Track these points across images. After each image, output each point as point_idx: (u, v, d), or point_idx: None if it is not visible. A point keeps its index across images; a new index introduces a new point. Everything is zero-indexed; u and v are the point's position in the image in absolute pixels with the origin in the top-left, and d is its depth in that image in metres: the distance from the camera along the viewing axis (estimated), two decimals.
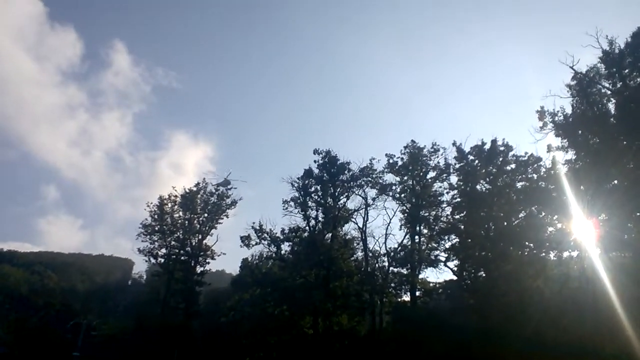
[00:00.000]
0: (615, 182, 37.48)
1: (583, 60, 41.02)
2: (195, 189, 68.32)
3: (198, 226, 67.43)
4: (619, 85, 38.73)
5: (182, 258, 66.01)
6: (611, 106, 39.20)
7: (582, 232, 37.78)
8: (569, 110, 39.90)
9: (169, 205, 67.28)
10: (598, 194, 36.66)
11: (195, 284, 64.66)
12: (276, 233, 55.44)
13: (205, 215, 67.63)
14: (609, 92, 39.03)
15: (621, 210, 35.12)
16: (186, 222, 67.43)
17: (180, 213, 67.58)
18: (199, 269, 65.67)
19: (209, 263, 66.08)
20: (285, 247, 56.76)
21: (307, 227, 56.02)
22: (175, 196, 67.47)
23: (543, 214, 41.33)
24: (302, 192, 56.86)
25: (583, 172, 38.16)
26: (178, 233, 66.85)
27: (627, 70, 38.46)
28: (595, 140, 38.60)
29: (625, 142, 37.32)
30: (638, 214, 35.27)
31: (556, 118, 39.75)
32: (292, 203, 56.29)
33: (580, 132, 39.07)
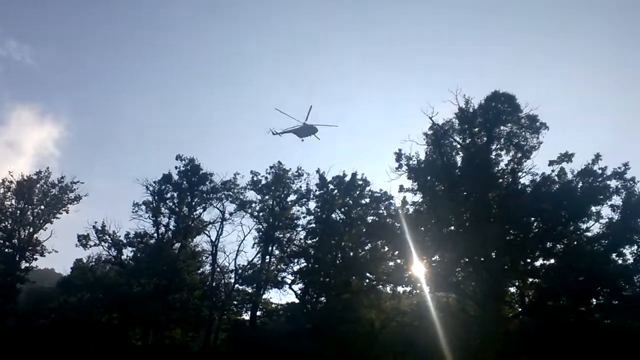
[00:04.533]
0: (452, 228, 40.69)
1: (442, 113, 44.66)
2: (35, 177, 61.35)
3: (31, 218, 60.07)
4: (468, 141, 42.52)
5: (6, 250, 58.57)
6: (459, 159, 42.76)
7: (417, 270, 40.34)
8: (422, 157, 42.78)
9: (1, 190, 59.68)
10: (435, 237, 39.56)
11: (16, 279, 57.56)
12: (119, 236, 51.98)
13: (42, 207, 60.52)
14: (458, 146, 42.61)
15: (452, 255, 38.18)
16: (18, 211, 60.00)
17: (13, 201, 60.04)
18: (23, 265, 58.65)
19: (36, 259, 59.27)
20: (128, 252, 53.38)
21: (155, 234, 53.34)
22: (11, 182, 60.07)
23: (386, 248, 43.56)
24: (156, 197, 54.37)
25: (426, 214, 41.00)
26: (6, 222, 59.31)
27: (476, 129, 42.44)
28: (441, 188, 41.73)
29: (465, 193, 40.76)
30: (466, 259, 38.46)
31: (411, 162, 42.33)
32: (143, 207, 53.55)
33: (429, 177, 42.01)
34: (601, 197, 36.39)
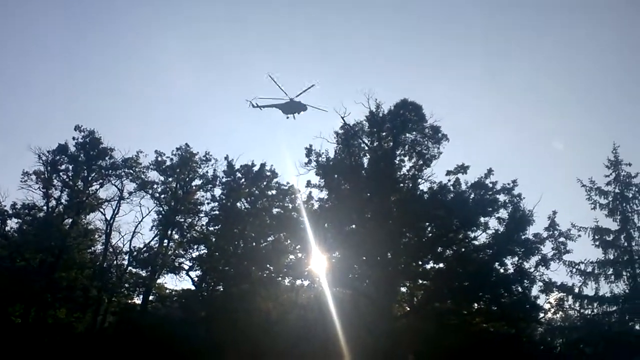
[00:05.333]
0: (354, 226, 41.95)
1: (354, 114, 45.57)
2: None
3: None
4: (375, 144, 43.95)
5: None
6: (365, 160, 44.10)
7: (317, 265, 41.16)
8: (332, 155, 43.58)
9: None
10: (338, 234, 40.58)
11: None
12: (5, 206, 47.96)
13: None
14: (366, 148, 43.89)
15: (351, 252, 39.40)
16: None
17: None
18: None
19: None
20: (13, 223, 49.38)
21: (45, 207, 49.70)
22: None
23: (289, 241, 44.03)
24: (49, 168, 50.54)
25: (330, 212, 41.86)
26: None
27: (384, 134, 43.96)
28: (347, 187, 42.78)
29: (369, 194, 42.08)
30: (364, 257, 39.85)
31: (320, 158, 42.98)
32: (33, 177, 49.53)
33: (336, 176, 42.92)
34: (490, 209, 39.12)
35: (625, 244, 37.44)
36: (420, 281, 41.13)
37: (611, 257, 37.47)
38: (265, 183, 48.43)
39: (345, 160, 43.51)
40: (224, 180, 50.19)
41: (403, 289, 41.73)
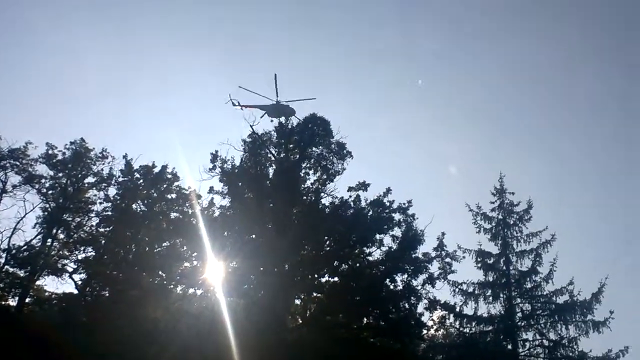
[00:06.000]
0: (254, 236, 41.71)
1: (263, 123, 45.71)
2: None
3: None
4: (282, 156, 44.31)
5: None
6: (271, 171, 44.24)
7: (213, 273, 40.26)
8: (238, 162, 43.22)
9: None
10: (236, 243, 40.10)
11: None
12: None
13: None
14: (273, 159, 44.09)
15: (249, 262, 39.08)
16: None
17: None
18: None
19: None
20: None
21: None
22: None
23: (185, 248, 42.77)
24: None
25: (231, 220, 41.38)
26: None
27: (292, 146, 44.53)
28: (250, 196, 42.56)
29: (271, 205, 42.14)
30: (261, 268, 39.67)
31: (225, 165, 42.48)
32: None
33: (240, 184, 42.59)
34: (386, 226, 40.65)
35: (504, 267, 40.34)
36: (315, 294, 41.63)
37: (490, 279, 40.17)
38: (165, 186, 46.68)
39: (250, 169, 43.37)
40: (120, 179, 47.70)
41: (297, 301, 41.99)
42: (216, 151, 42.55)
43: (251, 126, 43.45)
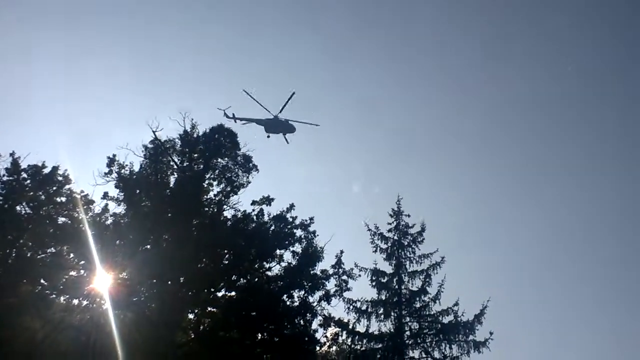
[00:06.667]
0: (149, 246, 40.16)
1: (167, 130, 44.32)
2: None
3: None
4: (185, 164, 43.19)
5: None
6: (173, 179, 42.98)
7: (100, 284, 38.05)
8: (137, 168, 41.52)
9: None
10: (129, 253, 38.43)
11: None
12: None
13: None
14: (175, 167, 42.88)
15: (141, 273, 37.52)
16: None
17: None
18: None
19: None
20: None
21: None
22: None
23: (72, 255, 40.09)
24: None
25: (125, 228, 39.57)
26: None
27: (196, 155, 43.54)
28: (148, 204, 41.02)
29: (170, 215, 40.84)
30: (154, 280, 38.22)
31: (123, 170, 40.73)
32: None
33: (137, 191, 40.97)
34: (287, 242, 40.97)
35: (397, 286, 41.74)
36: (210, 308, 40.80)
37: (383, 297, 41.31)
38: (55, 188, 43.34)
39: (150, 176, 41.94)
40: (4, 178, 43.78)
41: (191, 315, 40.88)
42: (113, 155, 40.72)
43: (154, 132, 41.98)
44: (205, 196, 42.90)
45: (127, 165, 40.78)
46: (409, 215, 44.14)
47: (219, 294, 40.49)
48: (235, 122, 48.19)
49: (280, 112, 48.46)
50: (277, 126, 48.51)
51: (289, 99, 47.57)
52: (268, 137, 49.14)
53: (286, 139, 49.31)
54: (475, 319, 39.50)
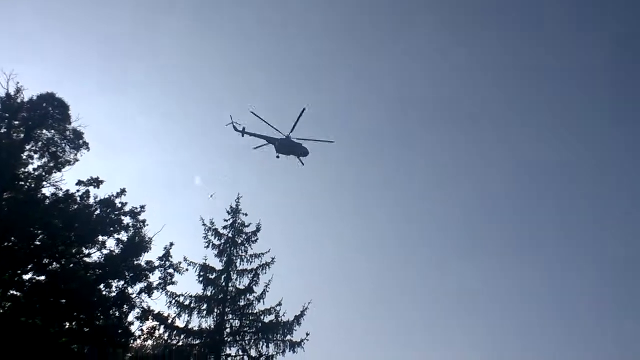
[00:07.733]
0: None
1: None
2: None
3: None
4: (3, 131, 38.59)
5: None
6: None
7: None
8: None
9: None
10: None
11: None
12: None
13: None
14: None
15: None
16: None
17: None
18: None
19: None
20: None
21: None
22: None
23: None
24: None
25: None
26: None
27: (17, 122, 39.24)
28: None
29: None
30: None
31: None
32: None
33: None
34: (112, 229, 38.50)
35: (224, 283, 41.55)
36: (13, 292, 36.68)
37: (209, 293, 40.88)
38: None
39: None
40: None
41: None
42: None
43: None
44: (22, 169, 38.70)
45: None
46: (246, 214, 44.39)
47: (26, 277, 36.53)
48: (243, 136, 46.54)
49: (292, 131, 46.11)
50: (289, 147, 46.17)
51: (299, 116, 45.26)
52: (277, 157, 46.72)
53: (301, 161, 46.45)
54: (295, 319, 40.85)
